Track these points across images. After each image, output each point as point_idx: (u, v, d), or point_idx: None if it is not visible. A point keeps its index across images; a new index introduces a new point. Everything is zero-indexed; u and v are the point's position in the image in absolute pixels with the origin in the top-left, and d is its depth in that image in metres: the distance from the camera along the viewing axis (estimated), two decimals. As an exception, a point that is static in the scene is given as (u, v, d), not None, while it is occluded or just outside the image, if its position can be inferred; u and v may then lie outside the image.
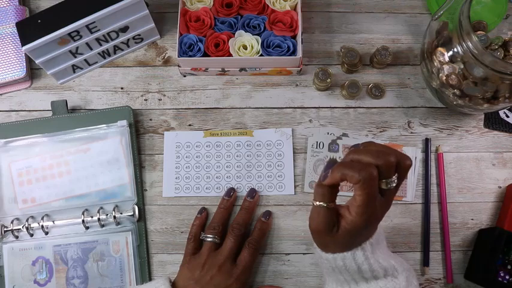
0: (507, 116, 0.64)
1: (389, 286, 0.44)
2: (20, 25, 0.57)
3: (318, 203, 0.43)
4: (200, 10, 0.63)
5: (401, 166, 0.41)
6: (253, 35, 0.62)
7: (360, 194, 0.40)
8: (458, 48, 0.54)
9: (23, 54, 0.65)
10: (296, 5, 0.62)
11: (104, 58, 0.66)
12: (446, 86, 0.56)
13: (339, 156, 0.62)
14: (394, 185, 0.42)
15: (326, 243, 0.45)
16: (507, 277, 0.55)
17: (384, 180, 0.41)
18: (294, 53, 0.61)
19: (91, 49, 0.63)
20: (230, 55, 0.61)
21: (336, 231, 0.43)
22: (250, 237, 0.57)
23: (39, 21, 0.57)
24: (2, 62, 0.64)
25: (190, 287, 0.53)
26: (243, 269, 0.54)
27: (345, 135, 0.63)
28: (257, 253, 0.57)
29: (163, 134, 0.64)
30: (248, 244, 0.56)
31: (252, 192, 0.60)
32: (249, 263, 0.55)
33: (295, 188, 0.61)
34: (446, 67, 0.56)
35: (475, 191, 0.62)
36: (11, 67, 0.64)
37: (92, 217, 0.59)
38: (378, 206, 0.42)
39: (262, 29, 0.62)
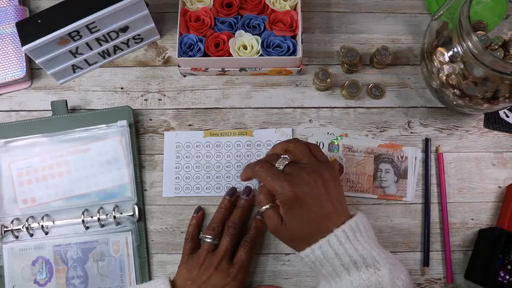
0: (507, 116, 0.64)
1: (373, 279, 0.45)
2: (20, 25, 0.57)
3: (264, 208, 0.51)
4: (200, 10, 0.63)
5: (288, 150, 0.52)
6: (253, 35, 0.62)
7: (261, 179, 0.50)
8: (458, 48, 0.54)
9: (23, 54, 0.65)
10: (296, 5, 0.62)
11: (104, 58, 0.66)
12: (446, 86, 0.56)
13: (339, 156, 0.62)
14: (281, 167, 0.50)
15: (293, 239, 0.50)
16: (507, 277, 0.55)
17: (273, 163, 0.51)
18: (294, 53, 0.61)
19: (91, 49, 0.63)
20: (230, 55, 0.61)
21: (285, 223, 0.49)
22: (246, 236, 0.57)
23: (39, 21, 0.57)
24: (2, 62, 0.64)
25: (188, 287, 0.53)
26: (240, 268, 0.54)
27: (346, 136, 0.63)
28: (253, 252, 0.57)
29: (163, 134, 0.64)
30: (244, 243, 0.56)
31: (248, 191, 0.60)
32: (246, 262, 0.55)
33: (295, 188, 0.61)
34: (446, 67, 0.56)
35: (475, 191, 0.62)
36: (11, 67, 0.64)
37: (92, 217, 0.59)
38: (285, 181, 0.48)
39: (262, 29, 0.62)
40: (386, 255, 0.47)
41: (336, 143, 0.63)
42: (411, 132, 0.64)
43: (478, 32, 0.59)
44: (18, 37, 0.59)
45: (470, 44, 0.51)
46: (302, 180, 0.48)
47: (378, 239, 0.59)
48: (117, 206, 0.60)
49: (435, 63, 0.57)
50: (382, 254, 0.47)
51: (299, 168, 0.49)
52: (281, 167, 0.50)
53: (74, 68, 0.65)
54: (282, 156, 0.51)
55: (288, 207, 0.48)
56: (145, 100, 0.65)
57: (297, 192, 0.47)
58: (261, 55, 0.61)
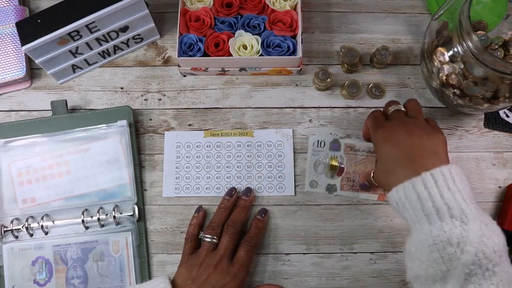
0: (507, 116, 0.64)
1: (456, 232, 0.40)
2: (19, 25, 0.57)
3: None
4: (200, 10, 0.63)
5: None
6: (253, 34, 0.61)
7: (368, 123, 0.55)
8: (458, 48, 0.54)
9: (23, 54, 0.65)
10: (296, 4, 0.62)
11: (104, 58, 0.66)
12: (446, 86, 0.56)
13: (340, 155, 0.62)
14: (391, 111, 0.53)
15: (385, 176, 0.49)
16: (507, 277, 0.55)
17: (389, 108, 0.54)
18: (294, 52, 0.61)
19: (91, 49, 0.63)
20: (230, 55, 0.61)
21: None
22: (247, 235, 0.57)
23: (39, 21, 0.57)
24: (1, 62, 0.64)
25: (188, 287, 0.53)
26: (240, 267, 0.54)
27: (348, 136, 0.63)
28: (254, 251, 0.57)
29: (163, 134, 0.64)
30: (244, 242, 0.56)
31: (247, 191, 0.60)
32: (246, 261, 0.55)
33: (295, 188, 0.61)
34: (446, 67, 0.56)
35: (475, 191, 0.62)
36: (11, 67, 0.64)
37: (91, 217, 0.59)
38: (383, 123, 0.52)
39: (262, 29, 0.62)
40: (479, 213, 0.42)
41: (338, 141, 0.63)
42: (411, 132, 0.63)
43: (478, 32, 0.59)
44: (18, 37, 0.59)
45: (471, 44, 0.51)
46: (401, 122, 0.50)
47: (377, 239, 0.60)
48: (117, 206, 0.60)
49: (435, 63, 0.57)
50: (474, 210, 0.42)
51: (405, 118, 0.51)
52: (391, 111, 0.53)
53: (74, 68, 0.65)
54: (399, 105, 0.54)
55: (379, 136, 0.50)
56: (145, 100, 0.65)
57: (387, 128, 0.50)
58: (261, 55, 0.61)
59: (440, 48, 0.56)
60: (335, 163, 0.61)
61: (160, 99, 0.65)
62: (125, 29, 0.62)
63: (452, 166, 0.45)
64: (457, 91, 0.56)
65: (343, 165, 0.62)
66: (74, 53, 0.62)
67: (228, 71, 0.64)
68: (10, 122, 0.64)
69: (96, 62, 0.66)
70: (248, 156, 0.63)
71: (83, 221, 0.59)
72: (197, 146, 0.63)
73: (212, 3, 0.63)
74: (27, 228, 0.59)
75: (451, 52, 0.55)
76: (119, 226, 0.60)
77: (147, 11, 0.61)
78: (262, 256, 0.60)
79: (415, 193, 0.44)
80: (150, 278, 0.59)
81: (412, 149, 0.47)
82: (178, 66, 0.64)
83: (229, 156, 0.63)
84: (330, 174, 0.61)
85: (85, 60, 0.64)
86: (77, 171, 0.61)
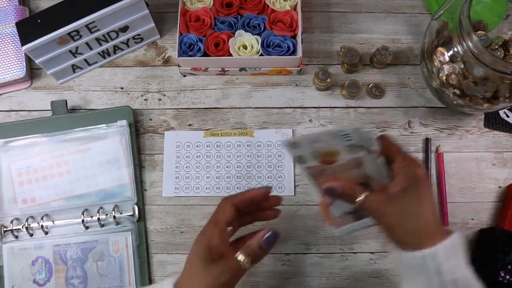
0: (507, 116, 0.64)
1: None
2: (19, 25, 0.57)
3: (363, 195, 0.44)
4: (200, 10, 0.63)
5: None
6: (253, 34, 0.62)
7: (390, 145, 0.45)
8: (458, 48, 0.54)
9: (23, 54, 0.65)
10: (296, 4, 0.62)
11: (104, 58, 0.66)
12: (446, 86, 0.56)
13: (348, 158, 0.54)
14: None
15: (399, 223, 0.43)
16: (508, 277, 0.55)
17: None
18: (294, 52, 0.61)
19: (91, 49, 0.63)
20: (230, 55, 0.61)
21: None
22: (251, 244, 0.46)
23: (39, 21, 0.57)
24: (2, 62, 0.64)
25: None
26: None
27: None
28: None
29: (163, 134, 0.64)
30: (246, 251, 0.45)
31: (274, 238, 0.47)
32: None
33: (295, 188, 0.61)
34: (446, 67, 0.56)
35: (475, 191, 0.62)
36: (11, 67, 0.64)
37: (91, 217, 0.59)
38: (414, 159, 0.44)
39: (262, 29, 0.62)
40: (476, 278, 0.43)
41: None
42: (411, 132, 0.63)
43: (478, 32, 0.59)
44: (18, 37, 0.59)
45: (471, 44, 0.51)
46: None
47: (377, 238, 0.60)
48: (117, 205, 0.60)
49: (435, 63, 0.57)
50: (474, 277, 0.42)
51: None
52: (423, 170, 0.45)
53: (74, 67, 0.65)
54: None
55: (410, 183, 0.43)
56: (145, 100, 0.65)
57: (423, 173, 0.43)
58: (261, 55, 0.61)
59: (440, 48, 0.56)
60: (338, 153, 0.46)
61: (160, 99, 0.65)
62: (125, 29, 0.62)
63: (457, 234, 0.43)
64: (457, 91, 0.56)
65: (339, 162, 0.46)
66: (74, 53, 0.62)
67: (228, 71, 0.64)
68: (10, 122, 0.64)
69: (96, 62, 0.66)
70: (248, 156, 0.63)
71: (82, 221, 0.59)
72: (197, 146, 0.63)
73: (212, 3, 0.63)
74: (27, 228, 0.59)
75: (451, 52, 0.55)
76: (118, 226, 0.60)
77: (147, 11, 0.61)
78: (262, 256, 0.60)
79: (435, 264, 0.41)
80: (149, 278, 0.59)
81: (433, 207, 0.44)
82: (178, 66, 0.64)
83: (229, 156, 0.63)
84: (319, 156, 0.46)
85: (85, 60, 0.64)
86: (77, 171, 0.61)
